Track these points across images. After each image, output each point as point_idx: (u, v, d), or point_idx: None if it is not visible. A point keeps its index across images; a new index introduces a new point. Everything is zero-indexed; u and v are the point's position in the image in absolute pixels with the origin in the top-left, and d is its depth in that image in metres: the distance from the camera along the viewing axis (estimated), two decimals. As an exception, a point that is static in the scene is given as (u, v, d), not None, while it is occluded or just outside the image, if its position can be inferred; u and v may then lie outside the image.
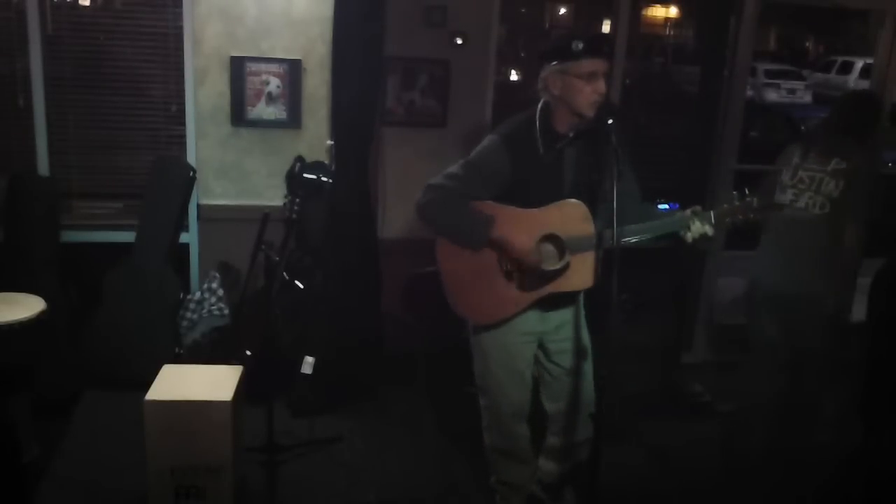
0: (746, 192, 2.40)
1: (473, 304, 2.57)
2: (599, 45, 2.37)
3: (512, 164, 2.43)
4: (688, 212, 2.39)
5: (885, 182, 4.50)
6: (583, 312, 2.67)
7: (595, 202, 2.43)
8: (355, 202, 3.78)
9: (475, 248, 2.48)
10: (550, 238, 2.44)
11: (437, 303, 2.63)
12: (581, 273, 2.43)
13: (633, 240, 2.39)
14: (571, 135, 2.41)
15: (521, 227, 2.43)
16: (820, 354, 3.30)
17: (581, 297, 2.65)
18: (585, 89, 2.34)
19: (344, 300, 3.70)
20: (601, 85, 2.34)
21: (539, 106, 2.47)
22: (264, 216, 3.02)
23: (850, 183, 3.07)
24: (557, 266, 2.43)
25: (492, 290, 2.51)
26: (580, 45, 2.32)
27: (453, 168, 2.49)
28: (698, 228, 2.36)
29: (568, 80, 2.36)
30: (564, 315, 2.61)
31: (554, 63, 2.38)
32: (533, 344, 2.63)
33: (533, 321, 2.57)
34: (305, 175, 3.35)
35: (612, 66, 2.42)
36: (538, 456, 2.82)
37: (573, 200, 2.41)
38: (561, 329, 2.61)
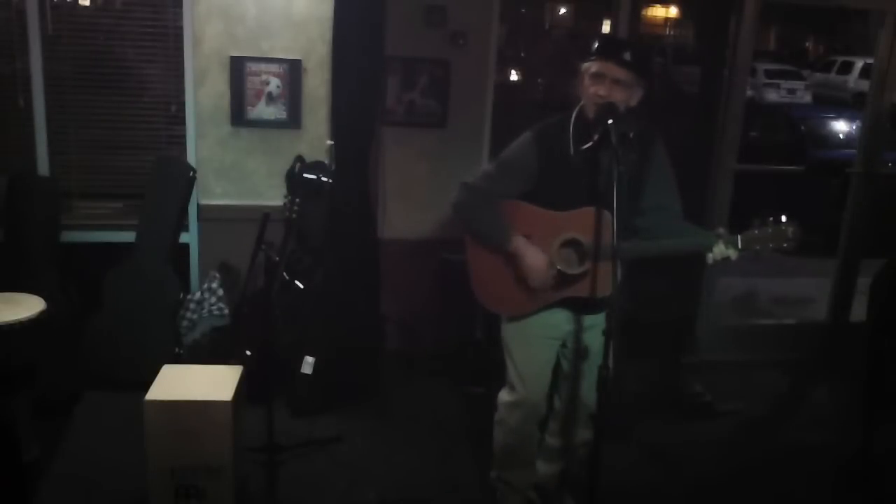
0: (783, 219, 2.26)
1: (493, 295, 2.60)
2: (609, 48, 2.36)
3: (539, 161, 2.44)
4: (713, 234, 2.34)
5: (886, 182, 4.52)
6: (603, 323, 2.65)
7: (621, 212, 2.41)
8: (355, 202, 3.78)
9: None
10: (573, 243, 2.45)
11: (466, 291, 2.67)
12: (600, 280, 2.41)
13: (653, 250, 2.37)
14: (596, 137, 2.35)
15: (543, 236, 2.44)
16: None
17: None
18: (589, 89, 2.34)
19: (344, 300, 3.70)
20: (603, 88, 2.31)
21: (578, 106, 2.46)
22: (264, 216, 3.02)
23: None
24: (577, 271, 2.44)
25: (512, 285, 2.52)
26: (595, 45, 2.35)
27: (488, 166, 2.55)
28: (721, 251, 2.29)
29: (583, 79, 2.38)
30: (595, 319, 2.56)
31: (584, 62, 2.39)
32: (557, 342, 2.63)
33: (562, 321, 2.57)
34: (305, 175, 3.35)
35: (635, 76, 2.35)
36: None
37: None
38: (589, 330, 2.59)
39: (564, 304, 2.53)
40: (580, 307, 2.53)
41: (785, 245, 2.26)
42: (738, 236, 2.30)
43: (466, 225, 2.59)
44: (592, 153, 2.39)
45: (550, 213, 2.45)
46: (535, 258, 2.44)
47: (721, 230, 2.34)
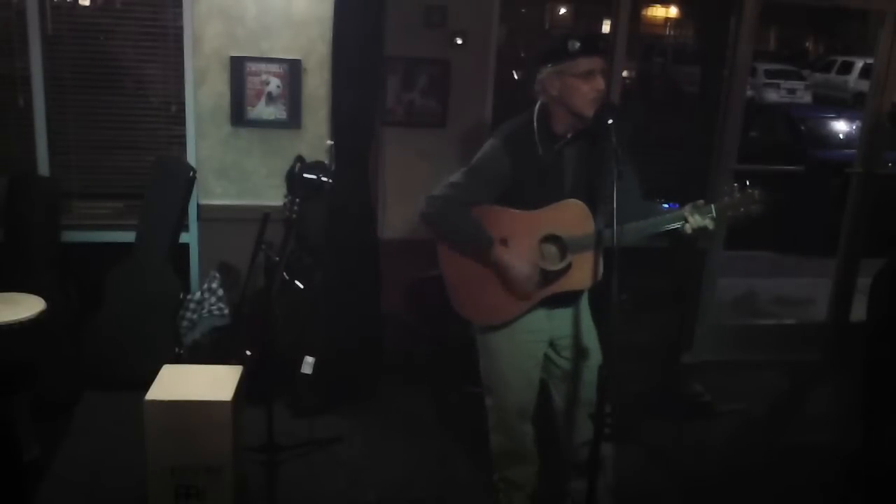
0: (747, 183, 2.37)
1: (477, 305, 2.58)
2: (595, 44, 2.38)
3: (512, 166, 2.44)
4: (688, 206, 2.39)
5: (886, 182, 4.52)
6: (588, 311, 2.66)
7: (596, 201, 2.44)
8: (355, 202, 3.78)
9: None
10: (552, 238, 2.45)
11: (441, 306, 2.64)
12: (583, 272, 2.44)
13: (633, 233, 2.39)
14: (569, 135, 2.42)
15: (520, 237, 2.44)
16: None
17: (585, 294, 2.65)
18: (583, 88, 2.34)
19: (344, 300, 3.70)
20: (599, 82, 2.35)
21: (536, 107, 2.48)
22: (264, 216, 3.03)
23: None
24: (559, 266, 2.44)
25: (495, 292, 2.51)
26: (576, 45, 2.34)
27: (455, 176, 2.52)
28: (697, 221, 2.35)
29: (566, 81, 2.37)
30: (571, 312, 2.59)
31: (550, 64, 2.39)
32: (542, 343, 2.62)
33: (540, 319, 2.57)
34: (305, 175, 3.35)
35: (609, 64, 2.42)
36: (541, 457, 2.81)
37: (573, 200, 2.42)
38: (569, 325, 2.60)
39: (542, 301, 2.53)
40: (554, 302, 2.53)
41: (754, 207, 2.36)
42: (712, 205, 2.37)
43: (441, 236, 2.57)
44: (561, 151, 2.43)
45: (523, 212, 2.46)
46: (520, 266, 2.44)
47: (700, 202, 2.39)
